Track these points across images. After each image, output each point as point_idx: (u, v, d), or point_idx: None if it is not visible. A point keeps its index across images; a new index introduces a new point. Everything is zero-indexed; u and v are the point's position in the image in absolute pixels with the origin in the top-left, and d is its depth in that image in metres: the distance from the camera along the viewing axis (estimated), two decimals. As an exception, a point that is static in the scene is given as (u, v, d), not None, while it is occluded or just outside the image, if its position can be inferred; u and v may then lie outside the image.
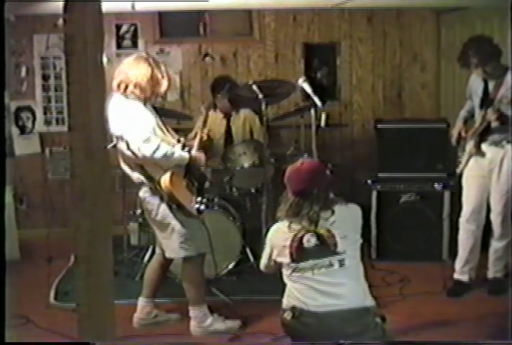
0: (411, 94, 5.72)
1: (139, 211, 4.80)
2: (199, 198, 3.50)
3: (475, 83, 3.90)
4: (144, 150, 3.29)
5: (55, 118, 5.49)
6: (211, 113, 4.99)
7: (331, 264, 2.64)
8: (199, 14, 5.53)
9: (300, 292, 2.67)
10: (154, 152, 3.29)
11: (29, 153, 5.43)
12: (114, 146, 4.39)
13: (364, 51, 5.65)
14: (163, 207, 3.39)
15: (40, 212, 5.45)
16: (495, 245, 3.97)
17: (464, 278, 4.05)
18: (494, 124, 3.73)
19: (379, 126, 4.85)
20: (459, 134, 3.97)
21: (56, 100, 5.47)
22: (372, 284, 4.14)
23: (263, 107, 4.13)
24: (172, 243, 3.44)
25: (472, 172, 3.95)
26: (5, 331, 2.11)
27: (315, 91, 3.53)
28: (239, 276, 4.31)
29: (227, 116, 4.93)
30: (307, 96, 3.66)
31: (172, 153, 3.35)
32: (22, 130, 5.43)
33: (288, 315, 2.67)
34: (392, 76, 5.69)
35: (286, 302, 2.73)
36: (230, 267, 4.26)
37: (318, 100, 3.30)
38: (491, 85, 3.78)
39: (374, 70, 5.68)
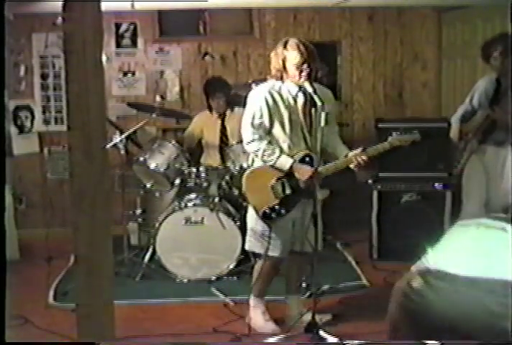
0: (412, 93, 5.70)
1: (138, 211, 4.79)
2: (278, 207, 3.37)
3: (487, 85, 3.88)
4: (244, 136, 3.37)
5: (54, 117, 5.47)
6: (204, 113, 4.98)
7: None
8: (199, 12, 5.52)
9: None
10: (247, 144, 3.35)
11: (27, 152, 5.42)
12: (114, 145, 4.40)
13: (365, 50, 5.63)
14: None
15: (39, 212, 5.43)
16: None
17: None
18: (499, 123, 3.70)
19: (380, 125, 4.83)
20: (461, 133, 3.95)
21: (55, 100, 5.46)
22: (373, 284, 4.19)
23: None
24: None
25: (473, 170, 3.92)
26: (5, 331, 2.10)
27: (316, 91, 3.51)
28: (239, 276, 4.30)
29: (221, 116, 4.90)
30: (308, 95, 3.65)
31: (268, 154, 3.32)
32: (21, 129, 5.41)
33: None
34: (393, 75, 5.68)
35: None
36: (230, 267, 4.25)
37: (319, 99, 3.28)
38: (504, 86, 3.78)
39: (375, 69, 5.67)
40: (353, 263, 4.59)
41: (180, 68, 5.56)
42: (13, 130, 5.34)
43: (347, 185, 5.53)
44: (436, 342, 2.55)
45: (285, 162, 3.34)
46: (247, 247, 3.61)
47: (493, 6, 4.48)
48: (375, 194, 4.65)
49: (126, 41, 5.50)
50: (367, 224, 4.72)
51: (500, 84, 3.81)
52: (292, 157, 3.36)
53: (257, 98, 3.35)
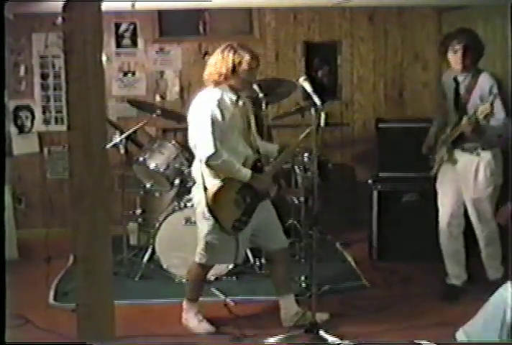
0: (413, 93, 5.70)
1: (138, 211, 4.79)
2: (244, 217, 3.32)
3: (448, 82, 3.84)
4: (202, 149, 3.18)
5: (54, 117, 5.47)
6: None
7: None
8: (199, 12, 5.52)
9: None
10: (209, 156, 3.16)
11: (27, 152, 5.41)
12: (114, 145, 4.40)
13: (366, 50, 5.63)
14: (204, 210, 3.31)
15: (39, 212, 5.44)
16: (484, 251, 3.92)
17: (457, 282, 4.01)
18: (466, 134, 3.62)
19: (380, 125, 4.83)
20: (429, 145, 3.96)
21: (55, 100, 5.45)
22: (373, 284, 4.19)
23: (263, 106, 4.11)
24: (199, 245, 3.48)
25: (445, 178, 3.90)
26: (5, 331, 2.10)
27: (315, 90, 3.52)
28: (239, 276, 4.30)
29: None
30: (307, 95, 3.65)
31: (230, 167, 3.22)
32: (21, 129, 5.41)
33: None
34: (393, 75, 5.68)
35: None
36: (230, 267, 4.24)
37: (319, 99, 3.29)
38: (462, 86, 3.73)
39: (375, 69, 5.67)
40: (353, 263, 4.59)
41: (180, 68, 5.56)
42: (13, 130, 5.34)
43: (347, 185, 5.54)
44: (428, 342, 2.56)
45: (245, 174, 3.27)
46: (204, 261, 3.48)
47: (493, 6, 4.48)
48: (375, 194, 4.65)
49: (126, 41, 5.50)
50: (367, 224, 4.72)
51: (457, 83, 3.76)
52: (244, 165, 3.31)
53: (209, 106, 3.23)
